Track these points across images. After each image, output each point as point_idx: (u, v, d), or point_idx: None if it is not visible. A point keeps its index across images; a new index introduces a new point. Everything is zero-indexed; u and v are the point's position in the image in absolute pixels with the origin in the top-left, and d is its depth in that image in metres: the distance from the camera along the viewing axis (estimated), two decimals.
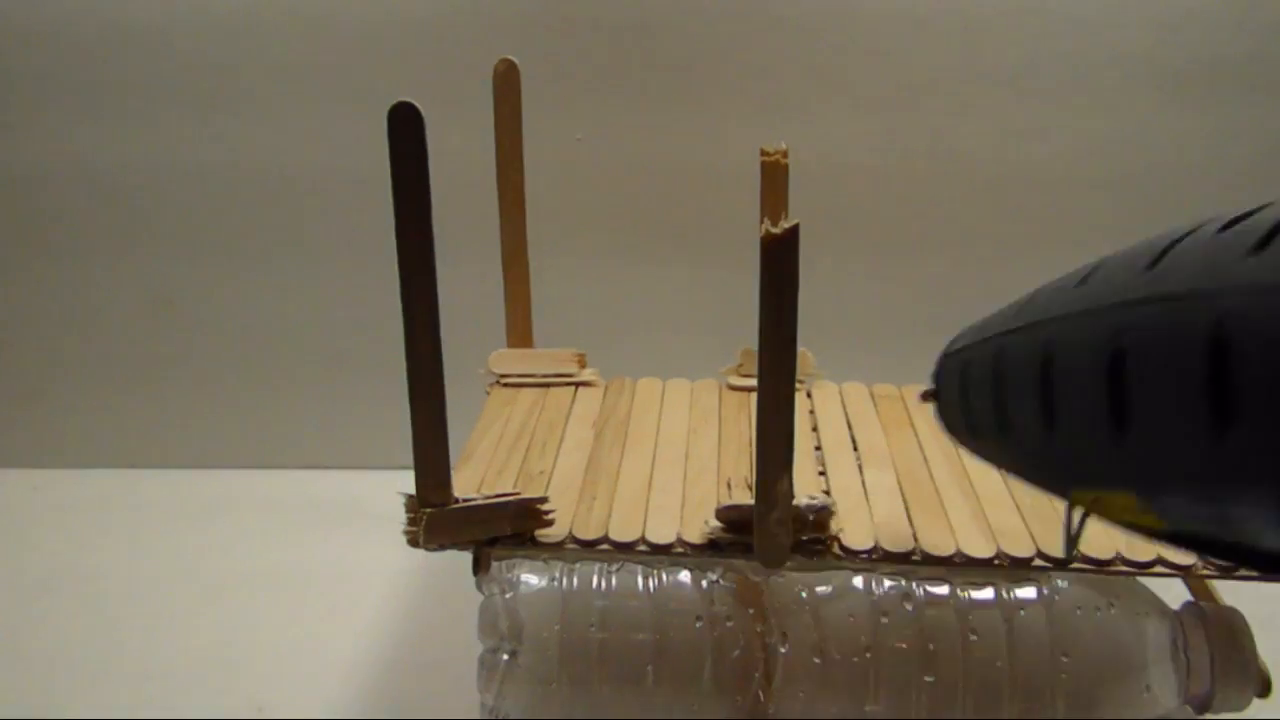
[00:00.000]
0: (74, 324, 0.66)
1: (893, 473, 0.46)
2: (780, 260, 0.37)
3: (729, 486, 0.44)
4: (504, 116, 0.53)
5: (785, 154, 0.51)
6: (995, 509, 0.42)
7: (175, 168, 0.63)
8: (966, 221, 0.57)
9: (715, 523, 0.40)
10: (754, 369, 0.54)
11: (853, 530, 0.40)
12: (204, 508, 0.62)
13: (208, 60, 0.61)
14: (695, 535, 0.41)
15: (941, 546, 0.40)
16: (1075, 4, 0.61)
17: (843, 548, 0.40)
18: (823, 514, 0.39)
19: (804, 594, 0.41)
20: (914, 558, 0.40)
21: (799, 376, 0.54)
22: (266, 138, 0.63)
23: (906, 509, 0.43)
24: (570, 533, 0.41)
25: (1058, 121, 0.62)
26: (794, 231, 0.36)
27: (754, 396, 0.53)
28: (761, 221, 0.52)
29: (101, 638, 0.53)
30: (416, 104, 0.37)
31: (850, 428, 0.50)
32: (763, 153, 0.51)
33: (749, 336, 0.55)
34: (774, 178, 0.51)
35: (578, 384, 0.55)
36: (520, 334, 0.56)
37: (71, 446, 0.67)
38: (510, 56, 0.50)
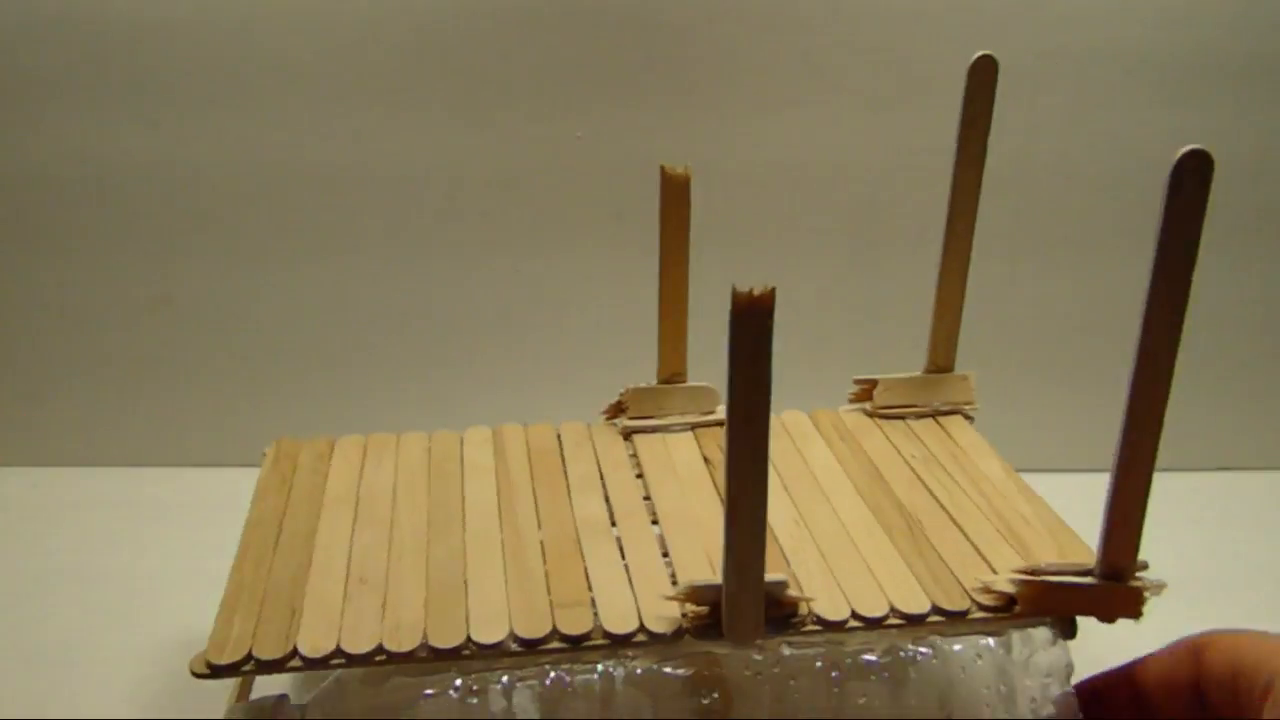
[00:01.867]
0: (74, 322, 0.65)
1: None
2: (753, 327, 0.33)
3: None
4: None
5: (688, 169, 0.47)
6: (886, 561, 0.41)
7: (175, 166, 0.62)
8: None
9: (684, 605, 0.37)
10: (641, 410, 0.50)
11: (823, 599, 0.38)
12: (204, 506, 0.60)
13: (206, 58, 0.60)
14: (653, 622, 0.37)
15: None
16: (1074, 1, 0.60)
17: (819, 619, 0.37)
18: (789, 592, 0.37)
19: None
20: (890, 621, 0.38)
21: (709, 412, 0.51)
22: (267, 136, 0.61)
23: (826, 562, 0.40)
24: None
25: (1056, 119, 0.62)
26: (771, 297, 0.32)
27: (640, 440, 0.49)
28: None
29: (102, 636, 0.53)
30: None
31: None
32: (663, 170, 0.46)
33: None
34: (674, 192, 0.47)
35: None
36: None
37: (71, 445, 0.67)
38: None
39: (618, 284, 0.64)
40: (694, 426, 0.50)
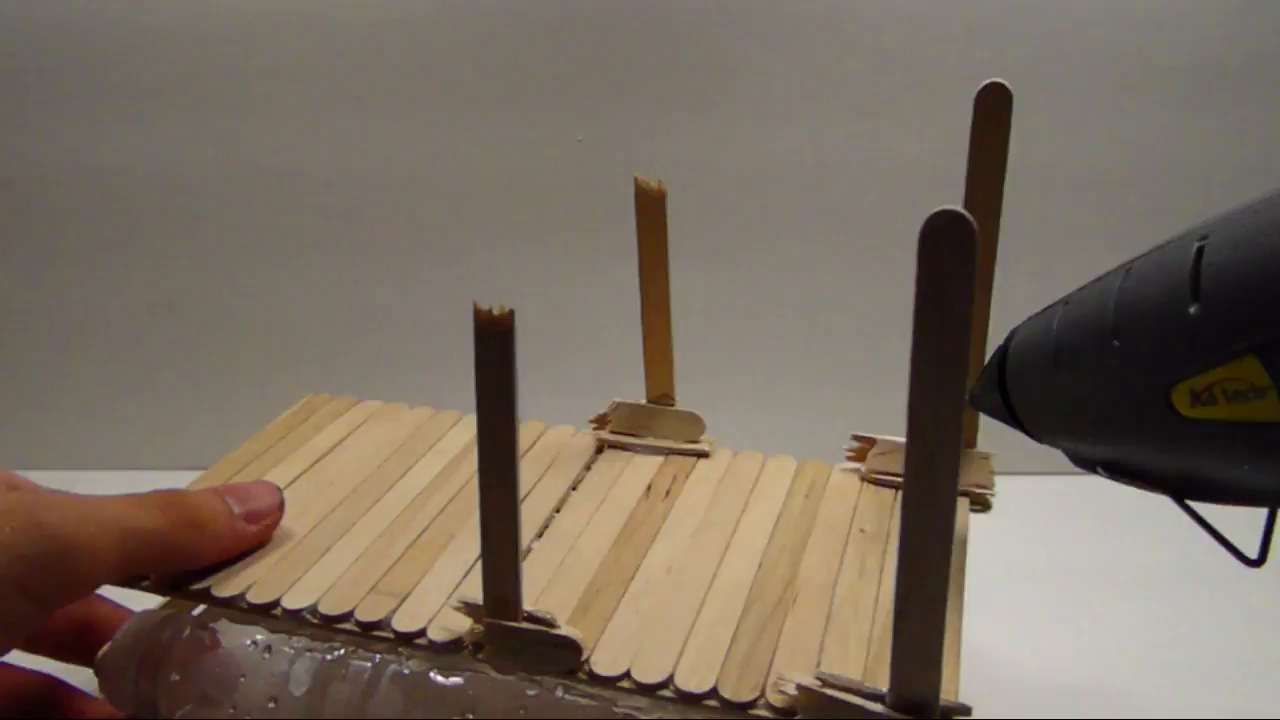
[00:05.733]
0: (76, 326, 0.67)
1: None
2: (495, 346, 0.32)
3: None
4: None
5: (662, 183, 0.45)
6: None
7: (176, 169, 0.63)
8: None
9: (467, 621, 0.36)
10: (625, 427, 0.49)
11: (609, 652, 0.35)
12: None
13: (208, 61, 0.61)
14: (437, 630, 0.37)
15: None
16: (1074, 4, 0.57)
17: (590, 672, 0.35)
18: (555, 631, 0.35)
19: None
20: (663, 693, 0.34)
21: (692, 440, 0.48)
22: (267, 140, 0.63)
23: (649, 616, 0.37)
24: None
25: (1056, 123, 0.59)
26: (509, 317, 0.31)
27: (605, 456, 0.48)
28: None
29: None
30: None
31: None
32: (637, 183, 0.45)
33: (749, 339, 0.52)
34: (649, 207, 0.45)
35: None
36: None
37: (73, 448, 0.68)
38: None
39: (623, 285, 0.62)
40: (669, 453, 0.48)
